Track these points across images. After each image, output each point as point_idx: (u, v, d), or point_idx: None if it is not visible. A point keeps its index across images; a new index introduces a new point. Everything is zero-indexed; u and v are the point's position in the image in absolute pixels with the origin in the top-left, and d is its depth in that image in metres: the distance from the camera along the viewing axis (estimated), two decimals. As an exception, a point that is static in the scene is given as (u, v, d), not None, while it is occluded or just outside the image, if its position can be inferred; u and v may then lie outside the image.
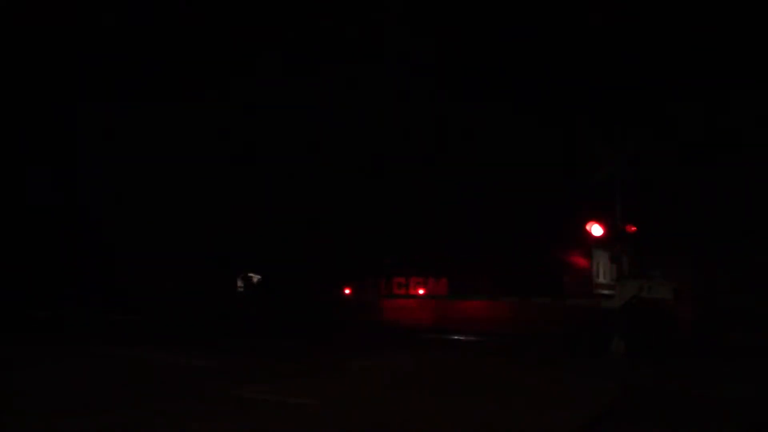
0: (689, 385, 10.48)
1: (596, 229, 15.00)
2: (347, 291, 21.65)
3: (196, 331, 18.93)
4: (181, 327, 19.97)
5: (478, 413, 8.20)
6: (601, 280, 15.48)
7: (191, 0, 23.12)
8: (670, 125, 17.39)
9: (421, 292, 20.68)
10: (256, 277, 24.17)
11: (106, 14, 22.55)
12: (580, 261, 17.31)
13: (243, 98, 23.51)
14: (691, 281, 16.03)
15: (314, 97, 22.76)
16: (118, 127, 25.35)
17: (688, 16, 17.05)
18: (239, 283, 23.99)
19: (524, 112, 19.71)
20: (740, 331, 15.33)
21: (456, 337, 17.57)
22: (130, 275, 24.75)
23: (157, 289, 23.52)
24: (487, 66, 20.45)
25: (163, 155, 25.15)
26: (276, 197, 24.23)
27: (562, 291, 18.15)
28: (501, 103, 20.03)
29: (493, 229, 20.05)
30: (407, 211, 22.20)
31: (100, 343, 15.33)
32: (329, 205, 23.54)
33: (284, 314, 21.23)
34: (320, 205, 23.60)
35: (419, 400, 9.07)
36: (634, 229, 15.00)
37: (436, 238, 21.08)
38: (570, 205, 17.84)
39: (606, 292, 15.40)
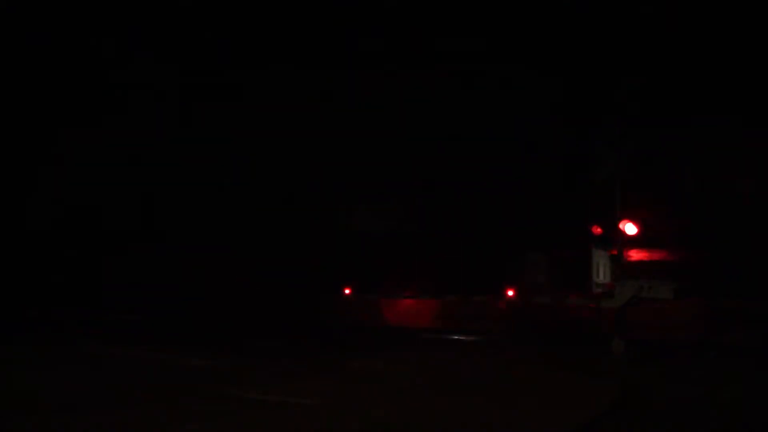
0: (689, 385, 10.47)
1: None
2: (347, 291, 21.64)
3: (195, 331, 18.91)
4: (180, 327, 19.94)
5: (478, 412, 8.20)
6: (601, 280, 15.50)
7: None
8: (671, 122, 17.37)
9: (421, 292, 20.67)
10: (255, 277, 24.11)
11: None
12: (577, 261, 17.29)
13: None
14: (691, 281, 16.03)
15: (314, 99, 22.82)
16: (113, 121, 25.27)
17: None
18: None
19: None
20: (740, 331, 15.30)
21: (456, 337, 17.56)
22: (129, 273, 24.68)
23: (154, 288, 23.46)
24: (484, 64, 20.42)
25: (162, 149, 25.05)
26: (274, 196, 24.20)
27: (563, 291, 18.12)
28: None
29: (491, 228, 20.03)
30: (405, 208, 22.20)
31: (97, 343, 15.32)
32: (328, 206, 23.54)
33: (284, 314, 21.21)
34: (319, 205, 23.59)
35: (420, 399, 9.07)
36: (633, 229, 15.00)
37: (437, 238, 21.06)
38: (570, 204, 17.84)
39: (606, 291, 15.41)
